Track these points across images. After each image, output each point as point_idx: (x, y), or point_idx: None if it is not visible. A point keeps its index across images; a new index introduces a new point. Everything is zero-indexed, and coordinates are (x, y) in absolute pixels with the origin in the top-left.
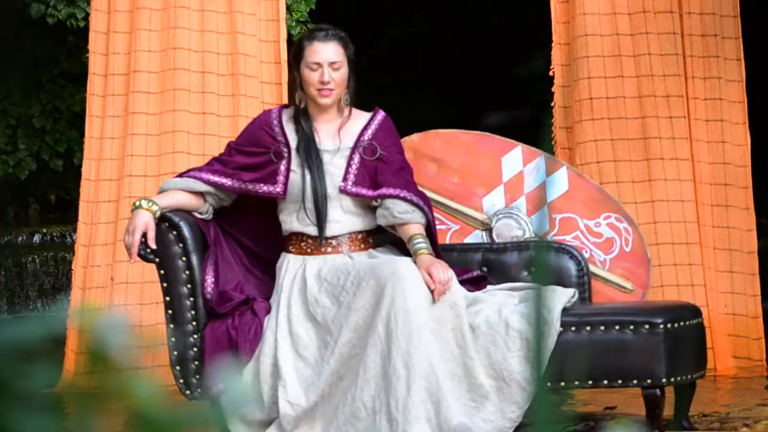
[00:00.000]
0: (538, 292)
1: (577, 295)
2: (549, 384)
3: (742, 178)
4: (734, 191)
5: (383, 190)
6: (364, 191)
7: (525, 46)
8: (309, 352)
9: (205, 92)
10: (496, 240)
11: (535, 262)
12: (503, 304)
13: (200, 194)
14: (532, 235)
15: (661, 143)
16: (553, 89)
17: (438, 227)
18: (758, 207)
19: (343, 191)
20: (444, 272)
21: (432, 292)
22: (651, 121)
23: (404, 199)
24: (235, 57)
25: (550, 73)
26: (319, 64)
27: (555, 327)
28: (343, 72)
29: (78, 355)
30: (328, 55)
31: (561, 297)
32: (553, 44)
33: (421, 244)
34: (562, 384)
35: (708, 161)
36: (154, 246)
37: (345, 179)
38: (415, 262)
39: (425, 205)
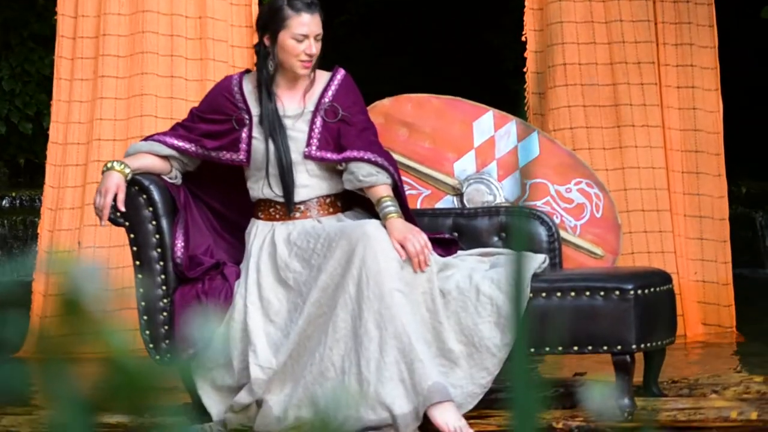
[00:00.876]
0: (517, 258)
1: (547, 261)
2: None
3: (714, 144)
4: (705, 158)
5: (347, 153)
6: (328, 155)
7: (498, 11)
8: (280, 317)
9: (174, 56)
10: (467, 205)
11: (513, 228)
12: (474, 270)
13: (166, 158)
14: (505, 200)
15: (632, 110)
16: (525, 54)
17: (409, 192)
18: (731, 174)
19: (307, 156)
20: (417, 241)
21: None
22: (622, 87)
23: (368, 161)
24: (203, 20)
25: (523, 39)
26: (306, 36)
27: (525, 293)
28: (320, 42)
29: (43, 318)
30: (315, 28)
31: (532, 263)
32: (525, 9)
33: (390, 207)
34: (532, 350)
35: (679, 128)
36: (123, 208)
37: (308, 144)
38: (384, 226)
39: (390, 165)
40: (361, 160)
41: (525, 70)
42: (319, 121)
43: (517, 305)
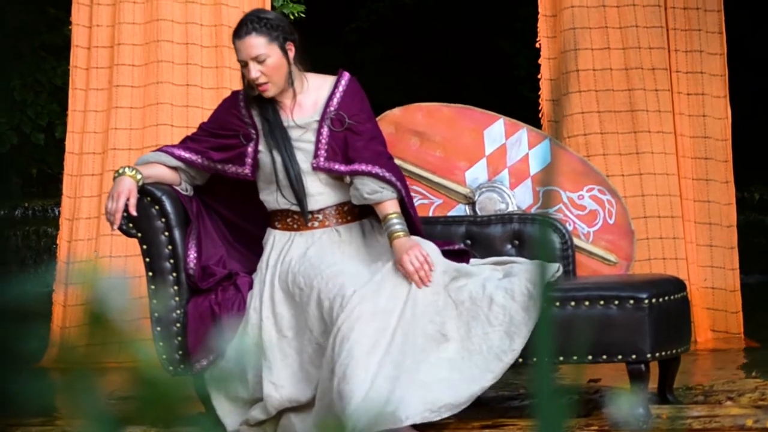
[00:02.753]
0: (541, 269)
1: (561, 270)
2: (535, 359)
3: (722, 151)
4: (714, 165)
5: (355, 166)
6: (336, 166)
7: (510, 18)
8: (292, 331)
9: (189, 64)
10: (479, 213)
11: (540, 238)
12: (488, 279)
13: (175, 170)
14: (517, 208)
15: (648, 116)
16: (539, 61)
17: (420, 201)
18: (744, 180)
19: (315, 168)
20: (416, 257)
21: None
22: (638, 93)
23: (375, 176)
24: (219, 28)
25: (537, 46)
26: (245, 62)
27: (543, 302)
28: (273, 60)
29: (64, 329)
30: (248, 51)
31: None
32: (539, 16)
33: (396, 226)
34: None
35: (689, 135)
36: (134, 213)
37: (316, 155)
38: (391, 245)
39: (397, 180)
40: (368, 174)
41: (539, 77)
42: (325, 131)
43: (545, 315)
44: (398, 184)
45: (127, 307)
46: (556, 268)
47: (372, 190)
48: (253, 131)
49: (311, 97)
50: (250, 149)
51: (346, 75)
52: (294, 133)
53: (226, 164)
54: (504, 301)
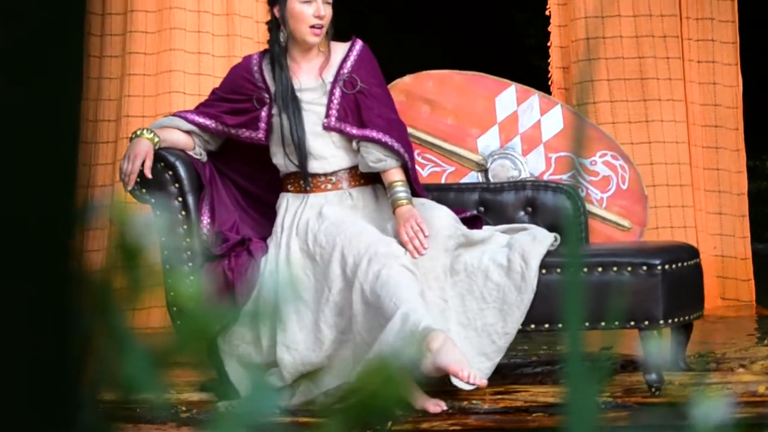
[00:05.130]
0: (573, 241)
1: (558, 239)
2: (547, 326)
3: (733, 119)
4: (724, 133)
5: (366, 132)
6: (348, 128)
7: None
8: (308, 294)
9: (201, 32)
10: (492, 181)
11: (564, 209)
12: (486, 252)
13: (189, 134)
14: (530, 174)
15: (658, 84)
16: (549, 29)
17: (433, 169)
18: (757, 148)
19: (326, 128)
20: (411, 227)
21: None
22: (649, 61)
23: (383, 144)
24: None
25: (547, 13)
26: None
27: (531, 284)
28: (330, 9)
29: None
30: None
31: (539, 248)
32: None
33: (399, 194)
34: (559, 326)
35: (700, 103)
36: (150, 175)
37: (327, 115)
38: (394, 213)
39: (405, 151)
40: (376, 142)
41: (549, 44)
42: (337, 92)
43: (574, 281)
44: (405, 156)
45: (156, 246)
46: (553, 238)
47: (377, 158)
48: (267, 95)
49: (323, 65)
50: (263, 113)
51: (359, 41)
52: (307, 96)
53: (239, 129)
54: (498, 278)
